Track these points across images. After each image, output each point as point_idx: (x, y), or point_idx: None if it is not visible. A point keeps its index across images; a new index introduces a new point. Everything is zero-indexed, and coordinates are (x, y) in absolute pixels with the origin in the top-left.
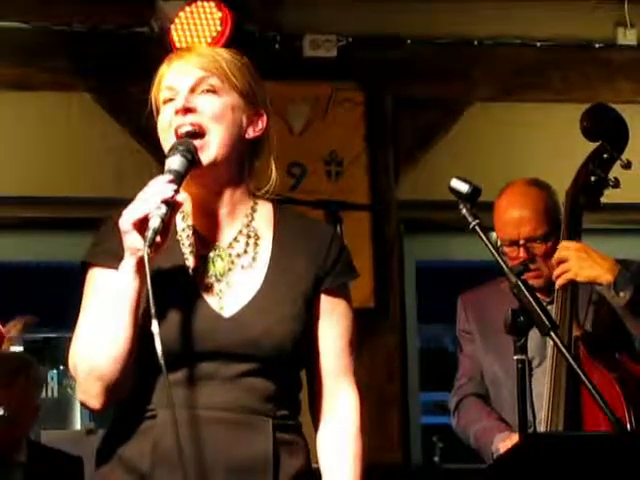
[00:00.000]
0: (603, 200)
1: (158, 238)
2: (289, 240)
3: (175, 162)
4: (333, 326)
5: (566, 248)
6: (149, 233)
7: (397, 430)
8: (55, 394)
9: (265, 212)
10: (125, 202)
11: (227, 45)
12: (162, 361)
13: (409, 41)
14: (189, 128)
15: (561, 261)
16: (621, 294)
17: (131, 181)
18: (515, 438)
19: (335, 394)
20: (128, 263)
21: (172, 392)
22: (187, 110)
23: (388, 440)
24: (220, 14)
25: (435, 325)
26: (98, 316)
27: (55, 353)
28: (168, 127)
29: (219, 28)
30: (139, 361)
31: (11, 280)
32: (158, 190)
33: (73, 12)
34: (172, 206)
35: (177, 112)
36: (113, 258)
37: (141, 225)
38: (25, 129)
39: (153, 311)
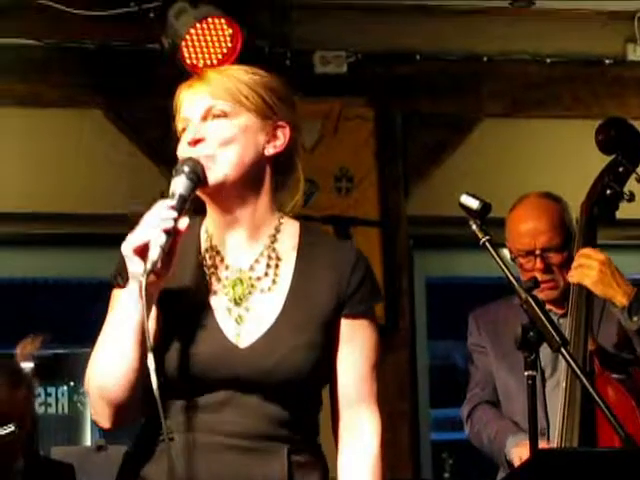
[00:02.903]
0: (619, 215)
1: (159, 265)
2: (312, 263)
3: (179, 185)
4: (353, 352)
5: (589, 256)
6: (147, 264)
7: (408, 446)
8: (65, 410)
9: (289, 233)
10: (140, 215)
11: (238, 62)
12: (157, 394)
13: (419, 57)
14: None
15: (581, 266)
16: (634, 319)
17: (142, 197)
18: (527, 443)
19: (355, 421)
20: (131, 287)
21: (188, 417)
22: (196, 141)
23: (399, 456)
24: (231, 31)
25: (445, 341)
26: (106, 338)
27: (65, 369)
28: (183, 158)
29: (230, 45)
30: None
31: (21, 296)
32: (159, 217)
33: (84, 29)
34: (173, 234)
35: (188, 144)
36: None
37: (142, 251)
38: (36, 145)
39: (149, 344)
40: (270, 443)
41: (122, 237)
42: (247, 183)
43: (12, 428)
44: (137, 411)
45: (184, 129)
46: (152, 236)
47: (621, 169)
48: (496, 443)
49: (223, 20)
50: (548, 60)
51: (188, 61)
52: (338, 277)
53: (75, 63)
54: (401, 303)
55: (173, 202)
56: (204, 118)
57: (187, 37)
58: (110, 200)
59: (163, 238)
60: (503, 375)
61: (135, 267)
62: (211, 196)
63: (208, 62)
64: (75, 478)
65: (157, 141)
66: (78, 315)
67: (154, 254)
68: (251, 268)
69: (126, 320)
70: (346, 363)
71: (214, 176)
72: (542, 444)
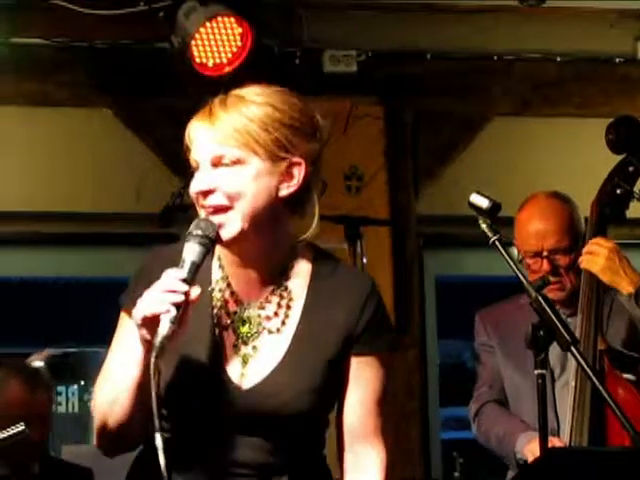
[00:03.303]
0: (629, 214)
1: (169, 336)
2: (322, 301)
3: (191, 252)
4: (359, 390)
5: (599, 244)
6: (157, 339)
7: (418, 445)
8: (76, 409)
9: (302, 270)
10: (149, 216)
11: (247, 61)
12: (165, 474)
13: (429, 56)
14: (211, 210)
15: (590, 253)
16: None
17: (151, 196)
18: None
19: (360, 457)
20: (137, 347)
21: (193, 452)
22: (206, 192)
23: (409, 455)
24: (240, 30)
25: (454, 340)
26: (111, 375)
27: (76, 368)
28: (196, 199)
29: (239, 44)
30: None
31: (32, 296)
32: (170, 289)
33: (94, 28)
34: (184, 307)
35: (199, 195)
36: None
37: (151, 322)
38: (46, 144)
39: (157, 425)
40: (272, 475)
41: (131, 236)
42: (261, 229)
43: (22, 427)
44: (135, 442)
45: (197, 167)
46: (162, 310)
47: (631, 168)
48: (505, 443)
49: (233, 19)
50: (558, 59)
51: (198, 60)
52: (348, 317)
53: (85, 62)
54: (411, 302)
55: (184, 273)
56: (214, 165)
57: (196, 36)
58: (120, 199)
59: (173, 312)
60: (511, 374)
61: (143, 334)
62: (228, 248)
63: (217, 61)
64: None
65: (167, 139)
66: (89, 314)
67: (164, 329)
68: (261, 306)
69: (129, 372)
70: (353, 400)
71: (229, 231)
72: (554, 442)
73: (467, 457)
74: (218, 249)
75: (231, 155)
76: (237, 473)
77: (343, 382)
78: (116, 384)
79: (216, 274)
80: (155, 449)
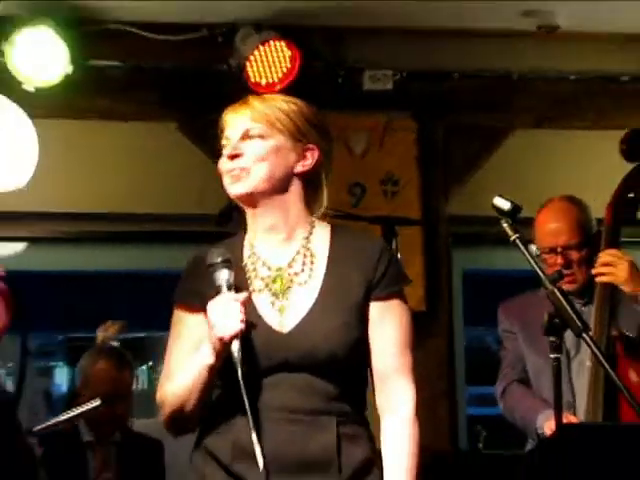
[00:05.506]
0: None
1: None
2: (342, 257)
3: (223, 277)
4: (384, 331)
5: (617, 256)
6: (235, 354)
7: (446, 420)
8: (145, 386)
9: (322, 233)
10: (207, 217)
11: (296, 80)
12: (244, 395)
13: (457, 75)
14: (235, 171)
15: (609, 265)
16: None
17: (210, 199)
18: None
19: (391, 390)
20: (207, 353)
21: (249, 398)
22: (234, 156)
23: (438, 429)
24: (290, 52)
25: (479, 327)
26: (181, 373)
27: (145, 351)
28: (223, 170)
29: (289, 65)
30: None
31: (105, 286)
32: (235, 311)
33: (160, 52)
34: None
35: (227, 157)
36: (196, 297)
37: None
38: (117, 154)
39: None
40: (321, 417)
41: (194, 234)
42: (276, 193)
43: (98, 402)
44: (195, 423)
45: (225, 146)
46: (234, 333)
47: None
48: (527, 419)
49: (283, 43)
50: (572, 77)
51: (252, 80)
52: (366, 265)
53: (152, 82)
54: (441, 293)
55: (240, 296)
56: (242, 138)
57: (251, 58)
58: (184, 202)
59: (237, 345)
60: (532, 357)
61: (217, 345)
62: (244, 202)
63: (270, 80)
64: (163, 452)
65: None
66: (156, 303)
67: (235, 347)
68: (289, 265)
69: (199, 373)
70: (381, 341)
71: (247, 185)
72: (570, 418)
73: (489, 430)
74: (249, 235)
75: (258, 129)
76: (290, 413)
77: (366, 326)
78: (187, 385)
79: (247, 252)
80: (213, 425)
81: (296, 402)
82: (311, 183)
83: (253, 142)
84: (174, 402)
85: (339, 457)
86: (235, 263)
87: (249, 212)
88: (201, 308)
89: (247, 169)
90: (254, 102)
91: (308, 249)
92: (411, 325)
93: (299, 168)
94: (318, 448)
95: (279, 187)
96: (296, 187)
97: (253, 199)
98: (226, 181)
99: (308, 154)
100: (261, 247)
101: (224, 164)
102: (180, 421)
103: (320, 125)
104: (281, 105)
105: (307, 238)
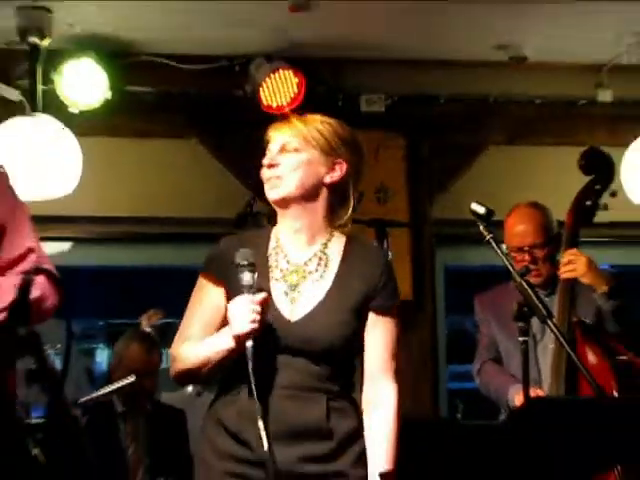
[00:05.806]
0: (596, 219)
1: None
2: (352, 264)
3: (247, 279)
4: (375, 338)
5: (577, 255)
6: (249, 351)
7: (429, 393)
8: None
9: (338, 243)
10: (225, 220)
11: (302, 103)
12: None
13: (442, 100)
14: (272, 178)
15: (571, 262)
16: (611, 302)
17: (228, 204)
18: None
19: (376, 386)
20: (227, 341)
21: (256, 377)
22: (271, 165)
23: (422, 401)
24: (297, 79)
25: (459, 315)
26: (202, 344)
27: (171, 335)
28: (263, 178)
29: (296, 90)
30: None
31: (141, 280)
32: (252, 311)
33: (186, 79)
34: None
35: (266, 167)
36: (221, 274)
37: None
38: (150, 166)
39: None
40: (314, 394)
41: (210, 236)
42: (306, 200)
43: (133, 378)
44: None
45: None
46: (250, 330)
47: (597, 186)
48: (500, 393)
49: (291, 71)
50: (538, 101)
51: (265, 103)
52: (370, 275)
53: (179, 105)
54: (425, 286)
55: (257, 297)
56: (280, 151)
57: (264, 84)
58: (205, 207)
59: (250, 343)
60: (504, 340)
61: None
62: (279, 205)
63: (280, 104)
64: (186, 421)
65: (240, 163)
66: (178, 294)
67: (248, 344)
68: (306, 263)
69: (216, 351)
70: (372, 346)
71: (281, 191)
72: (537, 391)
73: (467, 403)
74: (276, 228)
75: (294, 143)
76: (289, 389)
77: (361, 326)
78: (206, 356)
79: (272, 244)
80: (222, 397)
81: (294, 381)
82: (339, 193)
83: (289, 154)
84: (190, 364)
85: (329, 425)
86: (261, 252)
87: (280, 213)
88: (224, 283)
89: (281, 177)
90: (294, 120)
91: (324, 253)
92: (399, 337)
93: (328, 179)
94: (312, 418)
95: (309, 195)
96: (324, 196)
97: (286, 203)
98: (265, 187)
99: (337, 167)
100: (285, 243)
101: (264, 172)
102: (190, 378)
103: (351, 142)
104: (316, 124)
105: (325, 244)
